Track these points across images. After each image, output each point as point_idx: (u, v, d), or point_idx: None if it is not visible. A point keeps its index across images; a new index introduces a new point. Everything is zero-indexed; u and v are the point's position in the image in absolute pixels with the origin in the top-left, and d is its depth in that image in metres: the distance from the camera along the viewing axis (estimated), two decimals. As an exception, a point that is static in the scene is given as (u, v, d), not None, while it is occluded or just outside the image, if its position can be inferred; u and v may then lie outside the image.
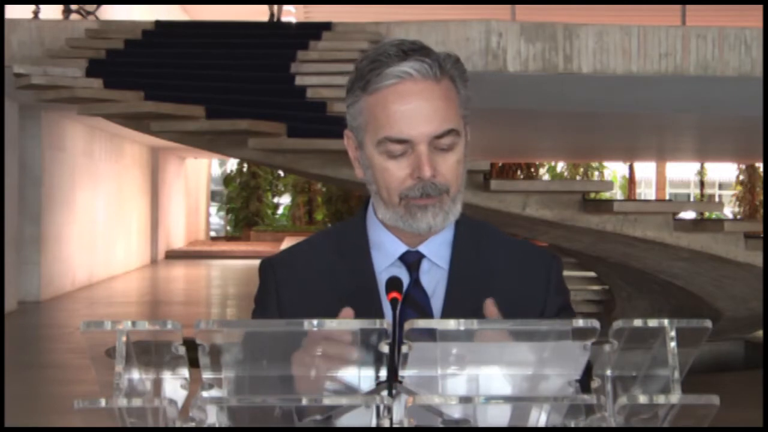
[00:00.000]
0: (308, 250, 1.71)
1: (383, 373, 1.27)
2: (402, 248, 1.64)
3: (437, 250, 1.64)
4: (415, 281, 1.62)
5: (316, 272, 1.65)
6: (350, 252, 1.66)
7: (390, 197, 1.59)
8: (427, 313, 1.60)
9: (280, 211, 36.05)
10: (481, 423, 1.28)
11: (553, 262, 1.70)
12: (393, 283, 1.47)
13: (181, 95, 8.41)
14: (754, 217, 32.27)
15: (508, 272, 1.65)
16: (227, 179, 34.32)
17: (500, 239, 1.71)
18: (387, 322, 1.23)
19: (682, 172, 39.98)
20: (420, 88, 1.55)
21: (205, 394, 1.25)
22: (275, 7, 13.44)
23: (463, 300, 1.59)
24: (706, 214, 11.88)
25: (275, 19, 13.32)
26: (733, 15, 17.00)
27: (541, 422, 1.29)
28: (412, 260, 1.64)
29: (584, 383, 1.30)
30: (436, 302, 1.62)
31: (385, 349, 1.24)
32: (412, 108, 1.54)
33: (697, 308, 8.88)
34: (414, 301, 1.61)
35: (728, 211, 33.52)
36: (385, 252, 1.64)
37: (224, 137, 8.40)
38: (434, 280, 1.63)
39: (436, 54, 1.58)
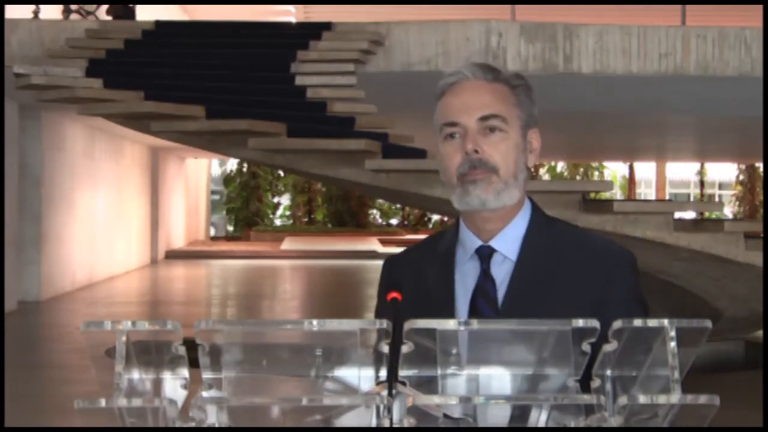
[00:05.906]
0: (415, 251, 1.94)
1: (383, 373, 1.27)
2: (477, 243, 1.83)
3: (508, 245, 1.82)
4: (485, 272, 1.80)
5: (413, 272, 1.85)
6: (442, 250, 1.86)
7: (450, 179, 1.79)
8: (493, 301, 1.77)
9: (280, 211, 36.03)
10: (481, 423, 1.28)
11: (618, 258, 1.80)
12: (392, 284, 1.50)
13: (181, 95, 8.40)
14: (754, 217, 32.28)
15: (574, 267, 1.78)
16: (227, 179, 34.30)
17: (574, 235, 1.87)
18: (387, 322, 1.23)
19: (682, 172, 39.96)
20: (472, 85, 1.81)
21: (205, 394, 1.25)
22: None
23: (526, 290, 1.76)
24: (706, 214, 11.85)
25: None
26: (733, 15, 16.99)
27: (541, 422, 1.29)
28: (484, 253, 1.81)
29: (584, 383, 1.31)
30: (504, 292, 1.78)
31: (385, 349, 1.24)
32: (463, 98, 1.80)
33: (697, 308, 8.86)
34: (483, 290, 1.79)
35: (728, 211, 33.50)
36: (465, 248, 1.84)
37: (224, 137, 8.40)
38: (504, 272, 1.80)
39: (499, 68, 1.84)
